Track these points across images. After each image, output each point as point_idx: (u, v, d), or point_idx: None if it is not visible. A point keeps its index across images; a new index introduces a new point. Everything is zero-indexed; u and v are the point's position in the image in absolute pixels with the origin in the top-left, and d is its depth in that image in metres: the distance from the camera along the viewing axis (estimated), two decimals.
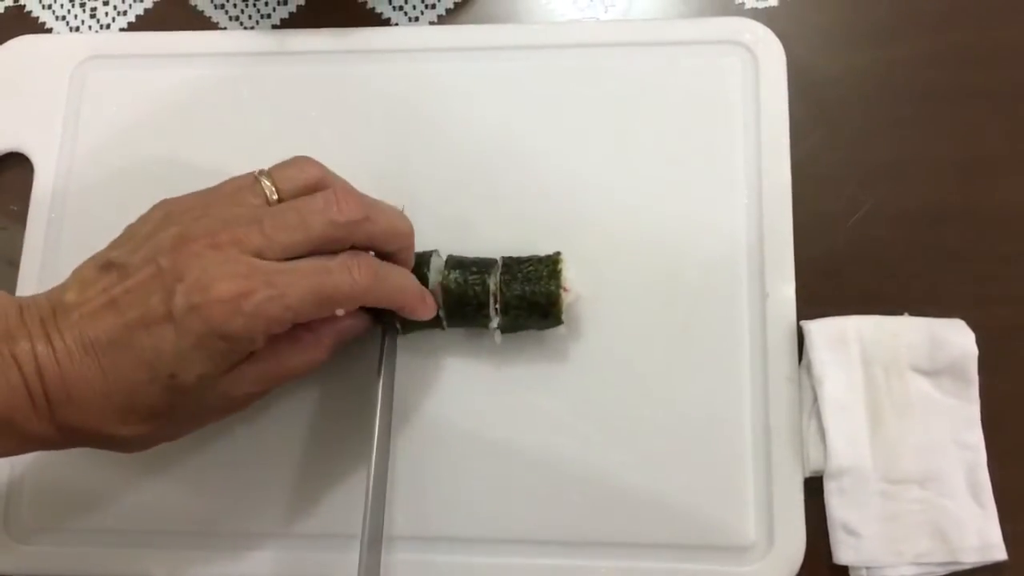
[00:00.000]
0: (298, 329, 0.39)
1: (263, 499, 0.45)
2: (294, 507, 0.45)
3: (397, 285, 0.41)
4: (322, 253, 0.38)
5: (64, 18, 0.54)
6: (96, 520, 0.46)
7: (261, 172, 0.40)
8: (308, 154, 0.49)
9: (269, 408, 0.46)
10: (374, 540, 0.42)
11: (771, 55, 0.49)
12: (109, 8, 0.54)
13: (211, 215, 0.37)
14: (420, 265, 0.43)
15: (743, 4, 0.52)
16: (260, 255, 0.37)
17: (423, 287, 0.42)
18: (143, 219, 0.39)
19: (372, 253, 0.41)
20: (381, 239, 0.41)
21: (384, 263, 0.41)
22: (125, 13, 0.54)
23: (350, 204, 0.39)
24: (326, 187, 0.40)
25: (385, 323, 0.44)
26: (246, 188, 0.39)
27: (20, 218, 0.50)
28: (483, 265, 0.44)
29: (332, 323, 0.41)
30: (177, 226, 0.37)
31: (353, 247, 0.40)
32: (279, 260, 0.37)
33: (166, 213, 0.38)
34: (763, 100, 0.48)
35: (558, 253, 0.44)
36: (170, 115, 0.51)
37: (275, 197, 0.39)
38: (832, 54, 0.50)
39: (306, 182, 0.40)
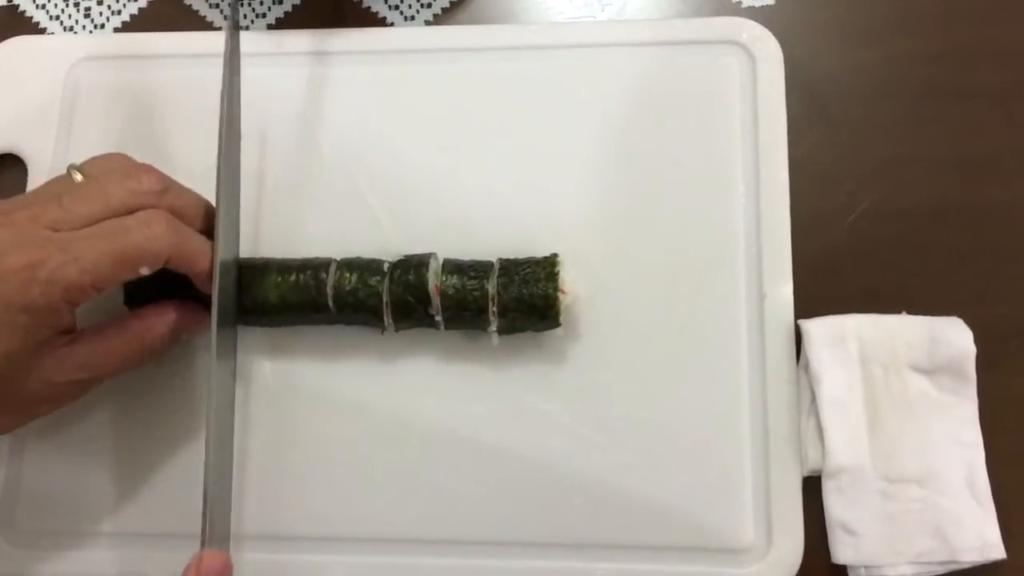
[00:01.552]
0: (126, 316, 0.40)
1: (262, 501, 0.45)
2: (291, 511, 0.45)
3: (198, 246, 0.41)
4: None
5: (58, 18, 0.54)
6: (92, 523, 0.45)
7: (72, 165, 0.40)
8: (303, 154, 0.50)
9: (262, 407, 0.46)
10: (221, 539, 0.40)
11: (768, 55, 0.49)
12: (103, 8, 0.54)
13: (15, 201, 0.38)
14: (419, 267, 0.43)
15: (740, 3, 0.51)
16: (57, 227, 0.37)
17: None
18: None
19: None
20: (188, 212, 0.41)
21: (186, 227, 0.40)
22: (119, 12, 0.54)
23: (150, 175, 0.40)
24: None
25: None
26: (56, 180, 0.40)
27: None
28: (480, 269, 0.43)
29: (162, 311, 0.41)
30: None
31: None
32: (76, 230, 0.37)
33: None
34: (760, 99, 0.48)
35: (555, 255, 0.44)
36: (164, 116, 0.50)
37: (79, 179, 0.40)
38: (830, 53, 0.50)
39: (112, 168, 0.40)
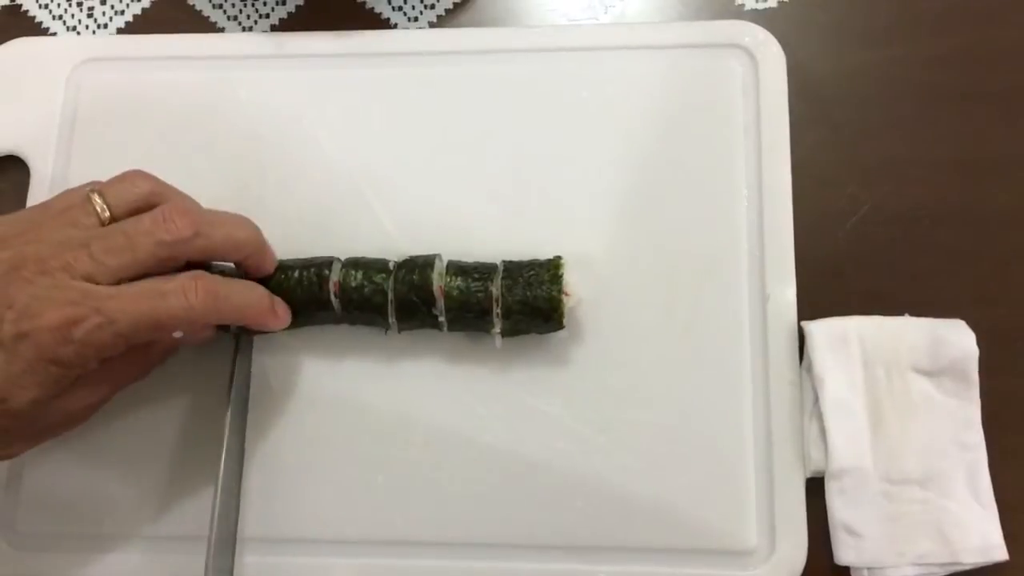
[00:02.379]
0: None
1: (263, 502, 0.45)
2: (294, 512, 0.45)
3: (239, 304, 0.40)
4: (159, 273, 0.38)
5: (61, 17, 0.54)
6: (93, 526, 0.45)
7: (93, 189, 0.39)
8: (306, 157, 0.49)
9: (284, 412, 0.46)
10: (225, 542, 0.41)
11: (771, 58, 0.49)
12: (106, 7, 0.54)
13: (42, 239, 0.37)
14: (424, 267, 0.43)
15: (743, 6, 0.52)
16: (91, 279, 0.37)
17: (272, 298, 0.42)
18: None
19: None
20: (220, 252, 0.41)
21: (227, 280, 0.40)
22: (122, 12, 0.54)
23: (178, 222, 0.39)
24: (159, 202, 0.40)
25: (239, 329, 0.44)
26: (77, 207, 0.39)
27: None
28: (484, 271, 0.44)
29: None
30: (8, 251, 0.37)
31: (191, 263, 0.40)
32: (111, 283, 0.37)
33: None
34: (763, 102, 0.48)
35: (558, 257, 0.44)
36: (167, 118, 0.50)
37: (107, 215, 0.39)
38: (832, 55, 0.51)
39: (138, 196, 0.40)
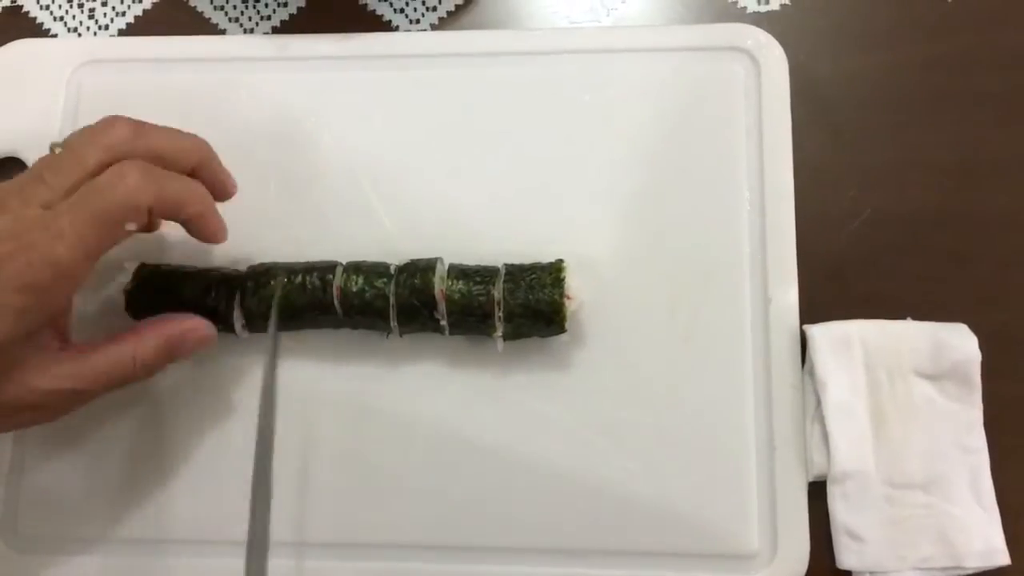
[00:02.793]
0: (122, 331, 0.39)
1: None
2: (294, 515, 0.45)
3: (179, 190, 0.39)
4: None
5: (62, 19, 0.54)
6: (94, 528, 0.45)
7: (54, 143, 0.40)
8: (307, 159, 0.49)
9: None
10: (261, 545, 0.41)
11: (773, 61, 0.49)
12: (107, 9, 0.54)
13: (6, 184, 0.38)
14: (426, 271, 0.43)
15: (744, 8, 0.51)
16: (48, 205, 0.37)
17: (211, 198, 0.41)
18: None
19: None
20: (170, 155, 0.40)
21: (164, 171, 0.39)
22: (124, 14, 0.54)
23: (119, 125, 0.39)
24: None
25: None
26: (41, 158, 0.39)
27: None
28: (486, 274, 0.43)
29: (159, 326, 0.41)
30: None
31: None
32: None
33: None
34: (765, 105, 0.48)
35: (560, 260, 0.44)
36: (167, 120, 0.49)
37: (59, 150, 0.39)
38: (834, 58, 0.50)
39: (93, 129, 0.40)
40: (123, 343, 0.40)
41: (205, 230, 0.41)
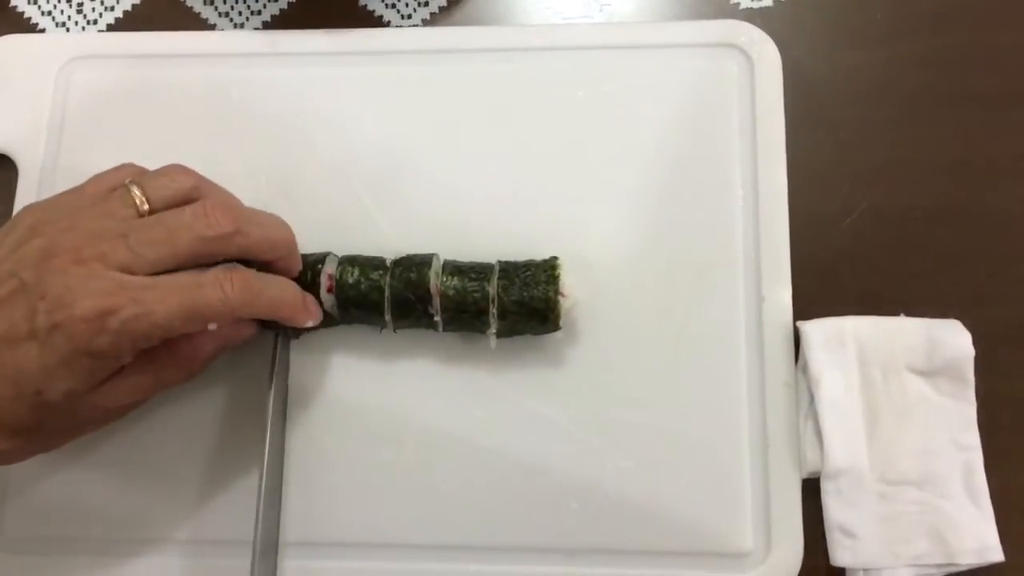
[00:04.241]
0: (176, 341, 0.39)
1: (249, 506, 0.44)
2: (286, 514, 0.44)
3: (273, 298, 0.40)
4: (194, 267, 0.38)
5: (51, 13, 0.53)
6: (83, 529, 0.45)
7: (132, 180, 0.39)
8: (299, 156, 0.49)
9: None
10: (267, 547, 0.41)
11: (766, 58, 0.49)
12: (96, 3, 0.53)
13: (77, 227, 0.37)
14: (422, 265, 0.43)
15: (738, 4, 0.51)
16: (127, 270, 0.36)
17: (305, 295, 0.42)
18: (10, 225, 0.38)
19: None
20: (256, 251, 0.40)
21: (261, 275, 0.40)
22: (112, 9, 0.53)
23: (219, 218, 0.38)
24: (199, 197, 0.40)
25: (278, 327, 0.44)
26: (115, 197, 0.38)
27: (3, 220, 0.49)
28: (481, 271, 0.43)
29: (211, 335, 0.40)
30: (42, 238, 0.36)
31: (228, 260, 0.39)
32: (147, 275, 0.37)
33: (33, 222, 0.38)
34: (759, 102, 0.48)
35: (555, 258, 0.44)
36: (157, 117, 0.50)
37: (145, 207, 0.38)
38: (827, 55, 0.50)
39: (177, 191, 0.39)
40: (181, 353, 0.40)
41: (294, 325, 0.42)
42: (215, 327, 0.38)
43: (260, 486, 0.42)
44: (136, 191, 0.38)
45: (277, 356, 0.44)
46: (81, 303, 0.35)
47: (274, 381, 0.44)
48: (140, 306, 0.35)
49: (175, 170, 0.40)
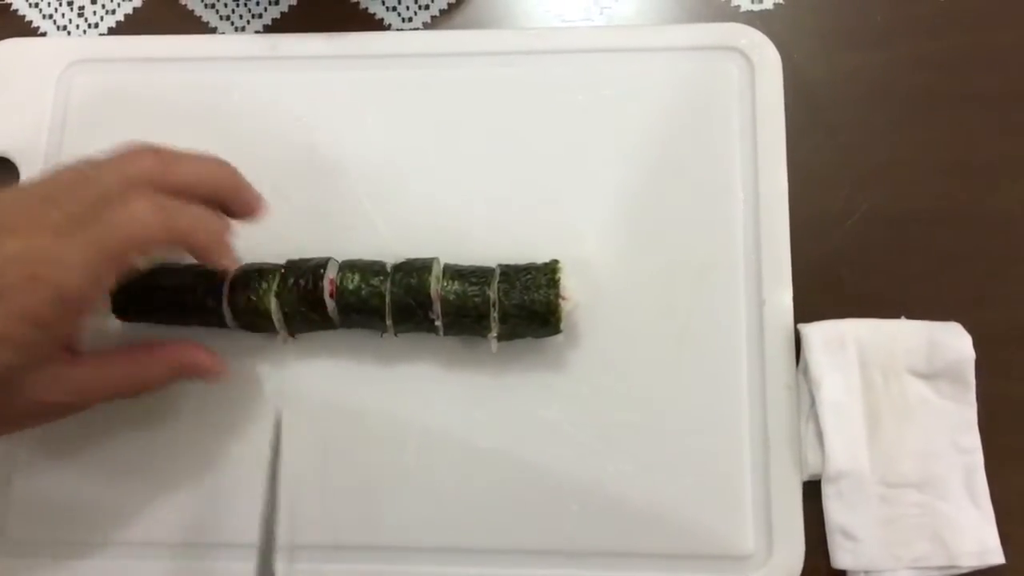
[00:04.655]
0: (133, 348, 0.39)
1: (251, 509, 0.44)
2: (288, 518, 0.44)
3: (190, 220, 0.38)
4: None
5: (51, 16, 0.54)
6: (85, 532, 0.45)
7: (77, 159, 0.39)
8: (299, 160, 0.49)
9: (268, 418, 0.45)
10: (268, 550, 0.41)
11: (767, 60, 0.49)
12: (97, 7, 0.53)
13: (13, 198, 0.37)
14: (422, 270, 0.43)
15: (738, 7, 0.51)
16: (59, 232, 0.36)
17: (221, 227, 0.40)
18: None
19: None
20: (196, 184, 0.39)
21: (180, 203, 0.39)
22: (114, 12, 0.53)
23: (142, 156, 0.38)
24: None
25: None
26: (56, 171, 0.38)
27: None
28: (481, 275, 0.43)
29: (171, 351, 0.41)
30: None
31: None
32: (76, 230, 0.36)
33: None
34: (759, 105, 0.48)
35: (556, 261, 0.44)
36: (158, 120, 0.50)
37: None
38: (828, 57, 0.50)
39: (116, 158, 0.39)
40: (135, 363, 0.40)
41: (210, 259, 0.40)
42: (143, 259, 0.37)
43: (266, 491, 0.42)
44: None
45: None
46: (11, 268, 0.35)
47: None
48: (60, 262, 0.35)
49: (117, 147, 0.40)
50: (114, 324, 0.46)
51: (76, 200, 0.37)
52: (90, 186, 0.37)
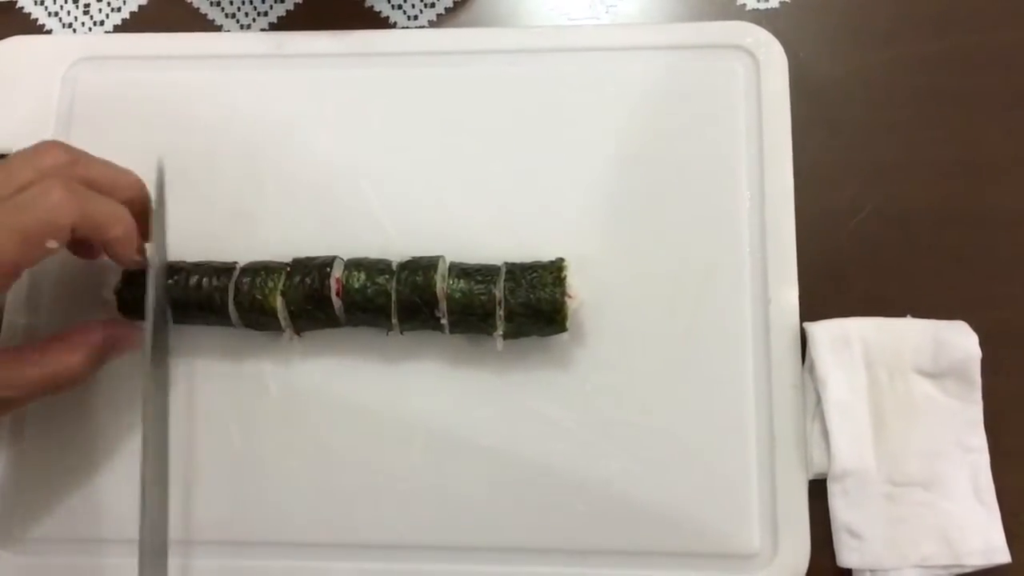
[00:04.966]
0: (48, 338, 0.40)
1: (262, 505, 0.45)
2: (295, 515, 0.44)
3: (106, 210, 0.39)
4: None
5: (57, 14, 0.53)
6: (91, 530, 0.45)
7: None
8: (304, 158, 0.49)
9: (265, 417, 0.45)
10: (158, 546, 0.41)
11: (773, 59, 0.49)
12: (103, 4, 0.53)
13: None
14: (428, 268, 0.43)
15: (744, 6, 0.51)
16: None
17: (135, 224, 0.41)
18: None
19: None
20: (104, 185, 0.40)
21: (93, 193, 0.39)
22: (119, 9, 0.53)
23: (54, 149, 0.39)
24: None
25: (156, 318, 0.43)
26: None
27: None
28: (487, 273, 0.43)
29: (85, 331, 0.41)
30: None
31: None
32: None
33: None
34: (765, 103, 0.48)
35: (561, 259, 0.44)
36: (163, 118, 0.50)
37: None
38: (834, 56, 0.50)
39: (29, 150, 0.40)
40: (51, 351, 0.40)
41: (121, 252, 0.41)
42: (54, 244, 0.38)
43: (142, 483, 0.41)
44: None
45: (154, 345, 0.42)
46: None
47: (152, 370, 0.42)
48: None
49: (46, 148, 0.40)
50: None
51: None
52: (4, 176, 0.38)
